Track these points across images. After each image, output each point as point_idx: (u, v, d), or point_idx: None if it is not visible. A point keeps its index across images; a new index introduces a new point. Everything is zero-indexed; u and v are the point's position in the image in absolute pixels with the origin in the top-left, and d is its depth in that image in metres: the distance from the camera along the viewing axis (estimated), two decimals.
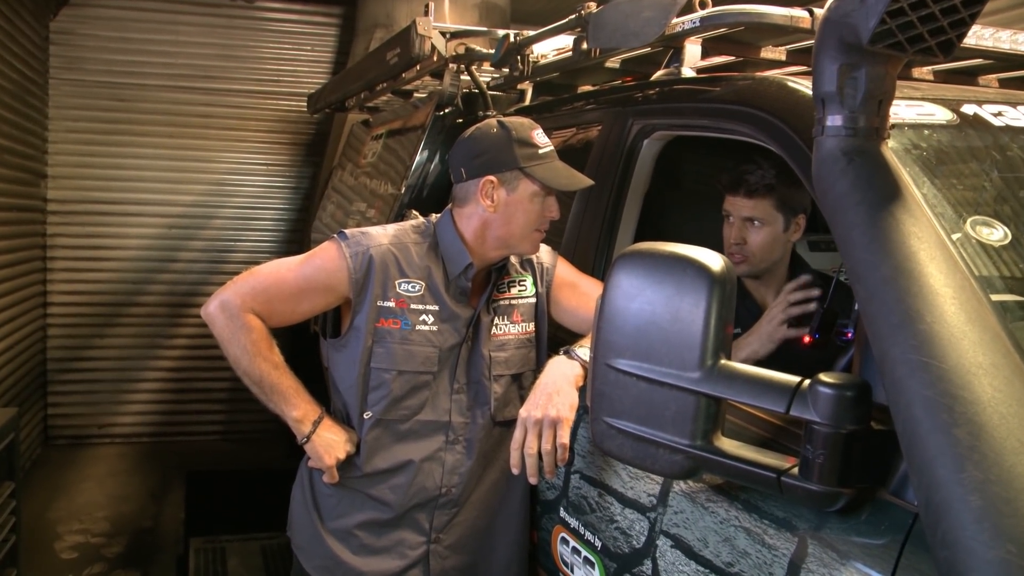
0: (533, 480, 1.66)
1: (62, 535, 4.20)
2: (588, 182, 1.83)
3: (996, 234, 1.30)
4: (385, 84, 3.64)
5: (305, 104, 5.23)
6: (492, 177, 1.77)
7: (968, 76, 2.43)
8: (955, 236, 1.22)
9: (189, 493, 4.81)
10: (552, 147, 1.82)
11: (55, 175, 5.51)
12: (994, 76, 2.44)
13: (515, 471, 1.67)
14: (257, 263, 1.90)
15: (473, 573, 1.95)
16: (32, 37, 5.07)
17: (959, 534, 0.86)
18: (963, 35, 1.11)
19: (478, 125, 1.86)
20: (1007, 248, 1.30)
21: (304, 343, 3.49)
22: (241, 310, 1.78)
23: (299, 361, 1.99)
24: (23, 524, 3.10)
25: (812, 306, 1.78)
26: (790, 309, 1.80)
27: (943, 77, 2.39)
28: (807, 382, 1.10)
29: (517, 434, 1.66)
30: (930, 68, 2.35)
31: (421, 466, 1.85)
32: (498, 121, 1.82)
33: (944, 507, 0.88)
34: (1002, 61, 2.24)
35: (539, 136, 1.80)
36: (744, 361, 1.75)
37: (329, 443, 1.81)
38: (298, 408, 1.80)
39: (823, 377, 1.08)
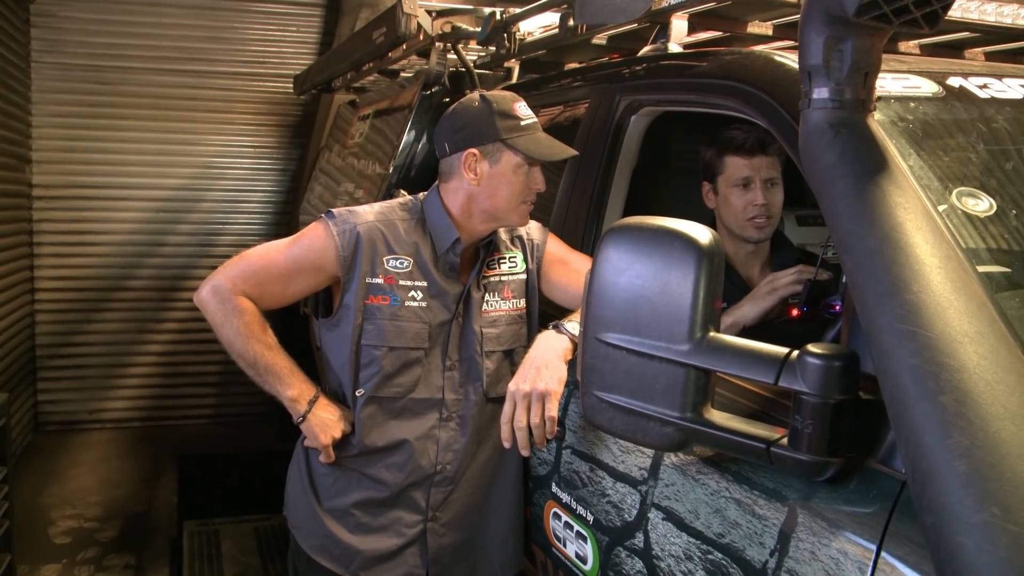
0: (525, 453, 1.69)
1: (55, 520, 4.20)
2: (571, 152, 1.83)
3: (981, 205, 1.31)
4: (371, 64, 3.62)
5: (291, 85, 5.20)
6: (474, 150, 1.78)
7: (955, 49, 2.44)
8: (941, 207, 1.22)
9: (181, 477, 4.81)
10: (535, 119, 1.83)
11: (40, 160, 5.45)
12: (980, 49, 2.45)
13: (506, 444, 1.70)
14: (246, 246, 1.90)
15: (469, 549, 1.96)
16: (12, 20, 5.01)
17: (945, 499, 0.87)
18: (948, 6, 1.11)
19: (460, 100, 1.87)
20: (993, 219, 1.32)
21: (293, 325, 3.49)
22: (232, 293, 1.79)
23: (288, 343, 1.99)
24: (16, 510, 3.10)
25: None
26: (792, 287, 1.79)
27: (929, 50, 2.40)
28: (796, 353, 1.11)
29: (507, 408, 1.68)
30: (917, 41, 2.36)
31: (416, 444, 1.86)
32: (480, 95, 1.83)
33: (931, 473, 0.89)
34: (988, 34, 2.25)
35: (521, 108, 1.81)
36: (731, 327, 1.76)
37: (325, 422, 1.82)
38: (293, 388, 1.81)
39: (811, 348, 1.10)
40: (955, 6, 2.04)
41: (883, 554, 1.07)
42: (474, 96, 1.84)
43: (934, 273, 1.03)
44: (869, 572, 1.07)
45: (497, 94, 1.83)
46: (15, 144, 5.10)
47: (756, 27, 2.26)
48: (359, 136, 3.83)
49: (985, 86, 1.61)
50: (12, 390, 4.85)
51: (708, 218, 2.08)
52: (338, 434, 1.83)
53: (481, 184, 1.79)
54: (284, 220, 5.79)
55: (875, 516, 1.10)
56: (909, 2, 1.08)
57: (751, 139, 1.96)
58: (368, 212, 1.85)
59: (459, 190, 1.82)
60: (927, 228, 1.09)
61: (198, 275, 5.70)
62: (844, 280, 1.41)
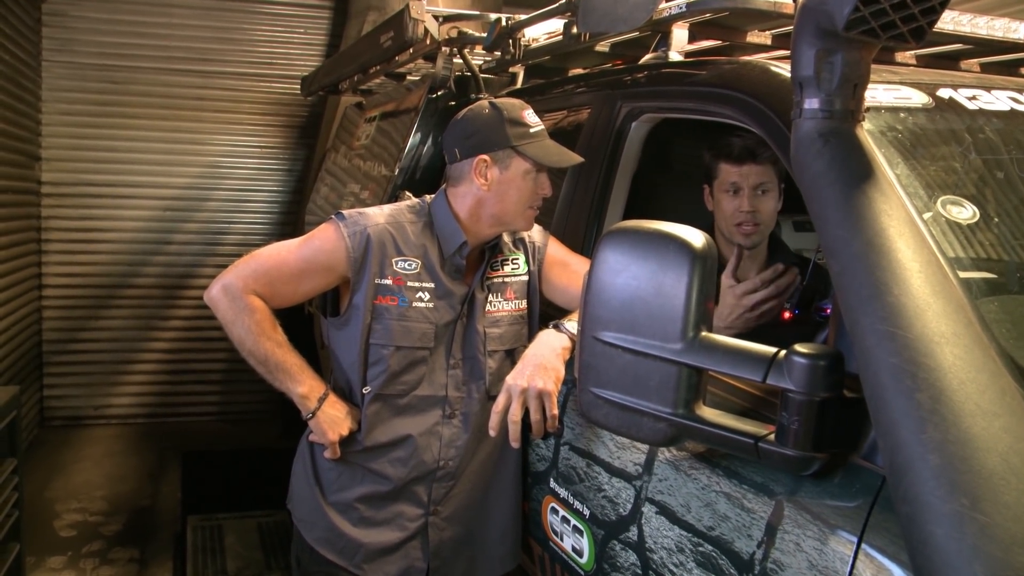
0: (515, 444, 1.73)
1: (60, 514, 4.26)
2: (578, 159, 1.89)
3: (965, 213, 1.36)
4: (379, 67, 3.67)
5: (298, 86, 5.25)
6: (485, 156, 1.83)
7: (951, 60, 2.48)
8: (926, 215, 1.27)
9: (185, 473, 4.87)
10: (542, 126, 1.87)
11: (49, 157, 5.52)
12: (976, 60, 2.50)
13: (492, 433, 1.74)
14: (251, 245, 1.94)
15: (469, 543, 2.01)
16: (24, 19, 5.07)
17: (919, 490, 0.92)
18: (934, 22, 1.15)
19: (470, 107, 1.91)
20: (976, 227, 1.36)
21: (298, 323, 3.53)
22: (243, 292, 1.82)
23: (292, 341, 2.02)
24: (23, 502, 3.15)
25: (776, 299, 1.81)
26: (752, 298, 1.83)
27: (926, 61, 2.45)
28: (783, 352, 1.16)
29: (501, 399, 1.73)
30: (913, 52, 2.40)
31: (419, 440, 1.90)
32: (490, 102, 1.87)
33: (906, 466, 0.94)
34: (981, 46, 2.29)
35: (530, 116, 1.85)
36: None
37: (333, 419, 1.86)
38: (304, 384, 1.85)
39: (798, 347, 1.14)
40: (948, 19, 2.09)
41: (863, 545, 1.11)
42: (483, 103, 1.88)
43: (914, 277, 1.08)
44: (850, 562, 1.12)
45: (506, 102, 1.87)
46: (25, 141, 5.17)
47: (755, 36, 2.30)
48: (365, 138, 3.87)
49: (974, 97, 1.65)
50: (19, 385, 4.90)
51: (706, 222, 2.13)
52: (345, 431, 1.87)
53: (491, 189, 1.84)
54: (290, 220, 5.85)
55: (857, 509, 1.15)
56: (896, 18, 1.13)
57: (740, 147, 2.00)
58: (378, 214, 1.90)
59: (468, 195, 1.87)
60: (909, 234, 1.14)
61: (204, 273, 5.76)
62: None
